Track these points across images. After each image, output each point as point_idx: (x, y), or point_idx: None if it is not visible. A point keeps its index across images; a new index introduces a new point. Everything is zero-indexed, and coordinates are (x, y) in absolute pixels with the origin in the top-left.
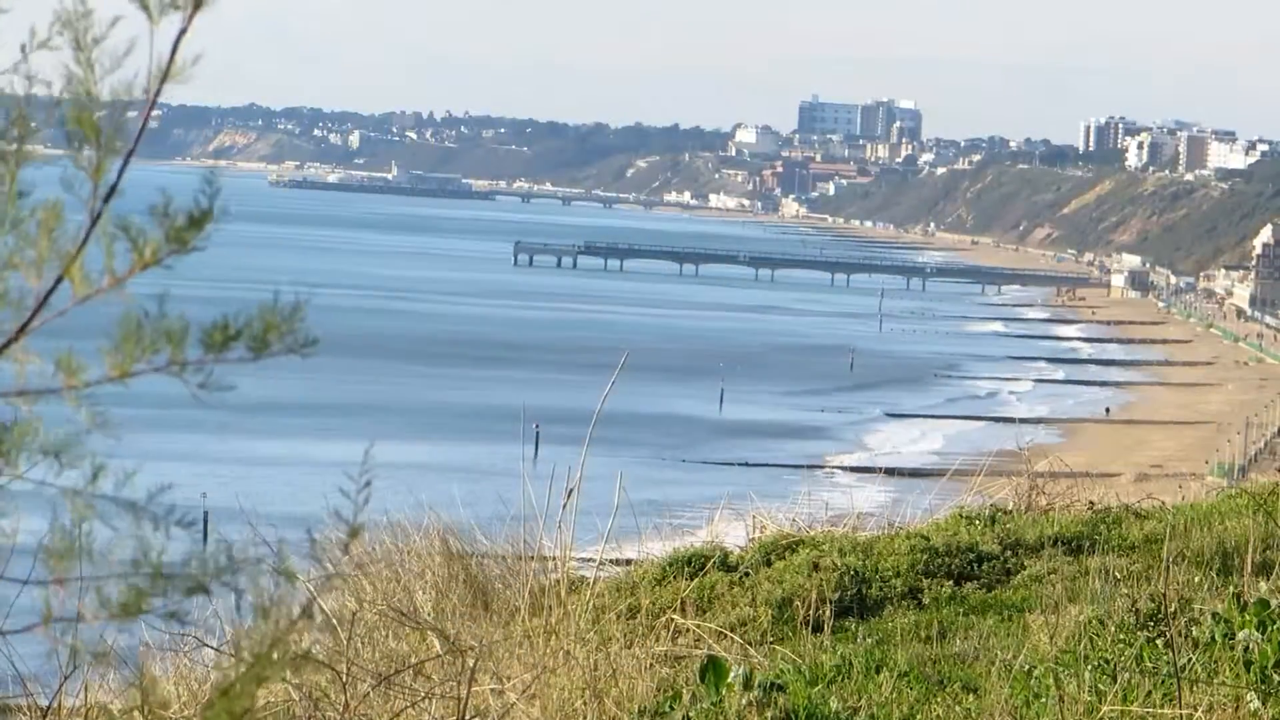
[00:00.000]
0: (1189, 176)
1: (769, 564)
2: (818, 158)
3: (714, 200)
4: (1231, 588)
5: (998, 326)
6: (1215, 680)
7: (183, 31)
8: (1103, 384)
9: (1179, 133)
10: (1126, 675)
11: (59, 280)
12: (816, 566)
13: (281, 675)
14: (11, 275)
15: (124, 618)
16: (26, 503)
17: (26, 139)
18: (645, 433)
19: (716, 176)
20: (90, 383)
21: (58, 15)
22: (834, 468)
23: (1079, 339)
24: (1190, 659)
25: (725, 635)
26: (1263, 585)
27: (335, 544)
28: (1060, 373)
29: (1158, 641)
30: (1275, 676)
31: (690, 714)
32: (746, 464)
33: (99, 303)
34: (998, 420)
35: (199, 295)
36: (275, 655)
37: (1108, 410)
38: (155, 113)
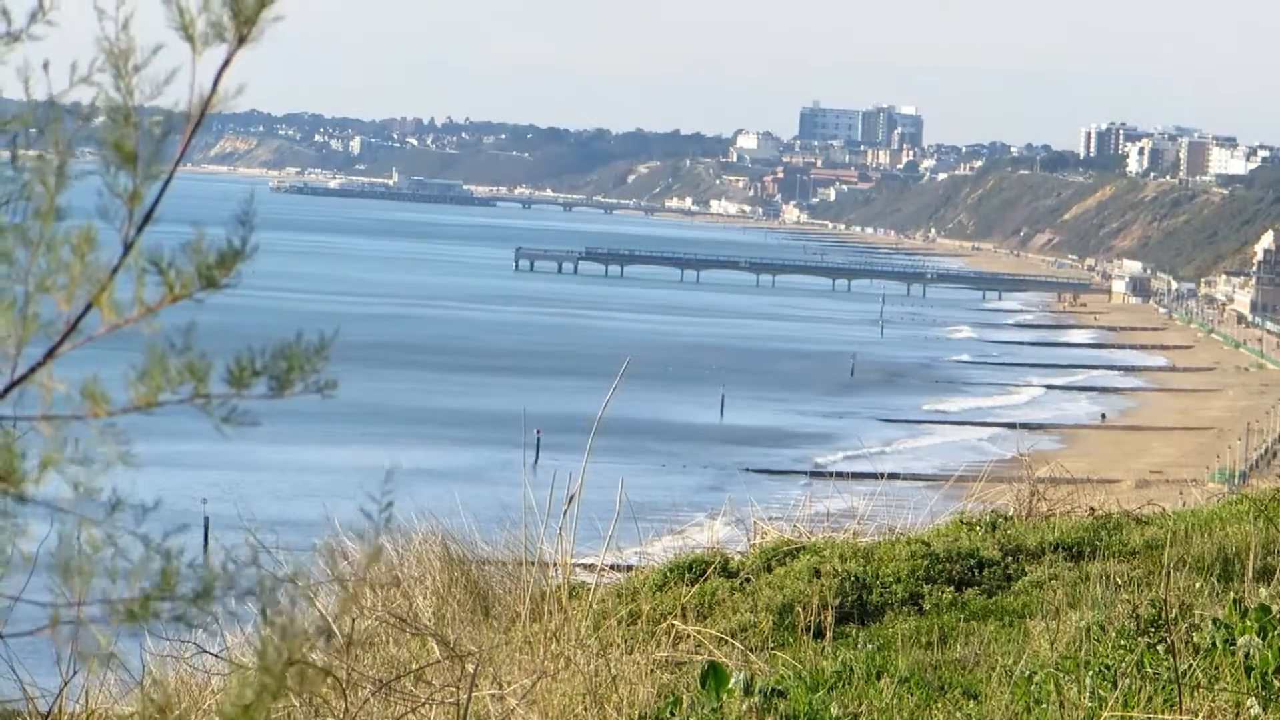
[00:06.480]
0: (1190, 182)
1: (770, 570)
2: (819, 163)
3: (715, 206)
4: (1232, 593)
5: (998, 333)
6: (1216, 686)
7: (226, 63)
8: (1103, 389)
9: (1180, 139)
10: (1127, 681)
11: (89, 307)
12: (817, 572)
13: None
14: (42, 298)
15: (131, 621)
16: (30, 509)
17: (66, 161)
18: (646, 439)
19: (718, 182)
20: (114, 411)
21: (99, 44)
22: (835, 474)
23: (1079, 344)
24: (1191, 665)
25: (726, 641)
26: (1263, 591)
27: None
28: (1059, 379)
29: (1158, 647)
30: (1276, 682)
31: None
32: (748, 470)
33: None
34: (997, 425)
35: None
36: (291, 673)
37: (1103, 416)
38: (156, 118)
